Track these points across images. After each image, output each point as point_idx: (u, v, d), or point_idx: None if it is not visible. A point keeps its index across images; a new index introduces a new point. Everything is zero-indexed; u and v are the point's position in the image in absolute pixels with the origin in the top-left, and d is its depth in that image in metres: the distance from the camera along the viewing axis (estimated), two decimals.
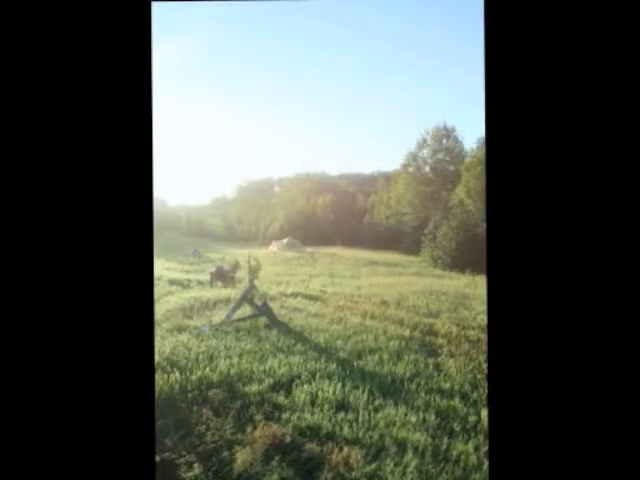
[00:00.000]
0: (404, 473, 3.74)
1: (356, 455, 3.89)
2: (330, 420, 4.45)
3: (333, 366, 5.67)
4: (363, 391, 5.03)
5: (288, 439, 4.12)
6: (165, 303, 8.13)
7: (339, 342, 6.55)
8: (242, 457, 3.86)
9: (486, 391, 4.76)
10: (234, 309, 7.63)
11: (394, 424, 4.41)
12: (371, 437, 4.19)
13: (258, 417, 4.47)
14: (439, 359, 6.08)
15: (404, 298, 8.82)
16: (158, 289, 8.77)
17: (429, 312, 8.08)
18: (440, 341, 6.72)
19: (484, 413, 4.55)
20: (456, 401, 4.89)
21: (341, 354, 6.18)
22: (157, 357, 5.71)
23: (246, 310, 7.73)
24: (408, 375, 5.52)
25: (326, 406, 4.72)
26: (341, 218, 13.67)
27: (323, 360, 5.86)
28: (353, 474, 3.72)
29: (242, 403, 4.73)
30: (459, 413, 4.65)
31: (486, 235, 1.92)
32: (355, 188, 14.04)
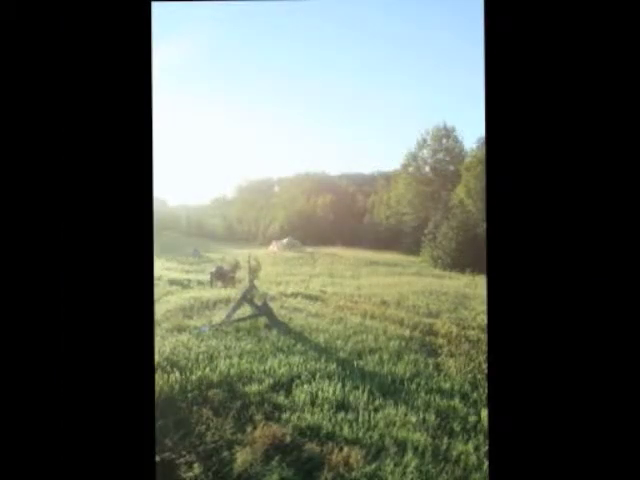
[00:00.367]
0: (404, 473, 3.74)
1: (356, 455, 3.89)
2: (330, 420, 4.45)
3: (333, 366, 5.67)
4: (363, 391, 5.03)
5: (288, 439, 4.12)
6: (165, 303, 8.13)
7: (339, 342, 6.55)
8: (242, 457, 3.86)
9: (486, 391, 4.76)
10: (234, 309, 7.63)
11: (394, 424, 4.41)
12: (371, 437, 4.19)
13: (258, 417, 4.47)
14: (439, 359, 6.08)
15: (404, 298, 8.82)
16: (158, 289, 8.77)
17: (429, 312, 8.08)
18: (440, 341, 6.72)
19: (484, 413, 4.55)
20: (456, 401, 4.89)
21: (341, 354, 6.18)
22: (157, 357, 5.71)
23: (246, 310, 7.74)
24: (408, 375, 5.52)
25: (326, 406, 4.72)
26: (341, 218, 13.68)
27: (323, 360, 5.86)
28: (353, 474, 3.72)
29: (242, 403, 4.73)
30: (459, 413, 4.66)
31: (486, 235, 1.92)
32: (355, 188, 14.04)
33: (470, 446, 4.07)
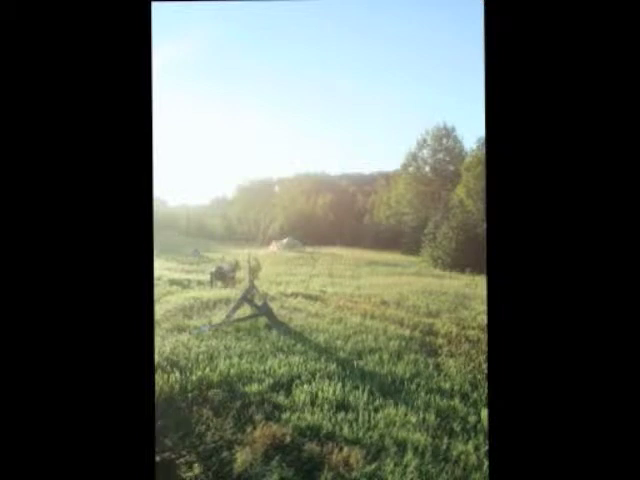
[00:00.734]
0: (404, 473, 3.74)
1: (356, 455, 3.89)
2: (330, 420, 4.45)
3: (333, 366, 5.67)
4: (363, 391, 5.03)
5: (288, 439, 4.12)
6: (165, 303, 8.13)
7: (339, 342, 6.55)
8: (242, 457, 3.86)
9: (486, 391, 4.76)
10: (234, 309, 7.63)
11: (394, 424, 4.41)
12: (371, 437, 4.19)
13: (258, 417, 4.47)
14: (439, 359, 6.08)
15: (404, 298, 8.82)
16: (158, 289, 8.77)
17: (429, 312, 8.08)
18: (440, 341, 6.72)
19: (484, 413, 4.54)
20: (456, 401, 4.88)
21: (341, 354, 6.17)
22: (157, 357, 5.71)
23: (246, 310, 7.74)
24: (408, 375, 5.51)
25: (326, 406, 4.71)
26: (341, 218, 13.68)
27: (323, 360, 5.85)
28: (353, 474, 3.71)
29: (242, 403, 4.73)
30: (459, 413, 4.65)
31: (486, 235, 1.92)
32: (355, 188, 14.04)
33: (470, 446, 4.06)
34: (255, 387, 5.05)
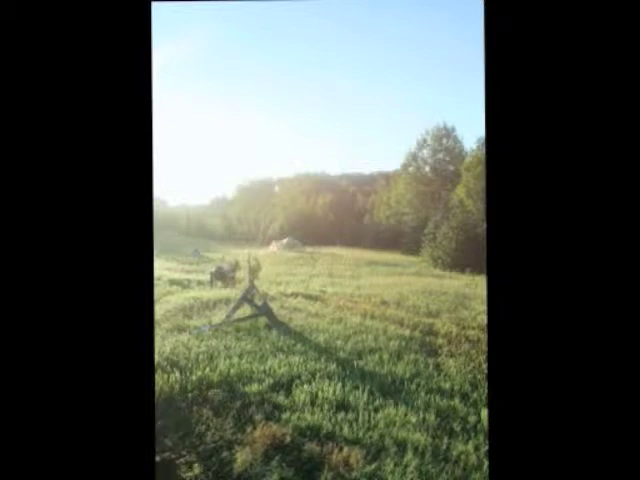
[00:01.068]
0: (404, 473, 3.74)
1: (356, 455, 3.89)
2: (330, 420, 4.45)
3: (333, 366, 5.67)
4: (363, 391, 5.03)
5: (288, 439, 4.12)
6: (165, 303, 8.13)
7: (339, 342, 6.55)
8: (242, 457, 3.86)
9: (486, 391, 4.76)
10: (234, 309, 7.63)
11: (394, 424, 4.41)
12: (371, 437, 4.19)
13: (258, 417, 4.47)
14: (439, 359, 6.08)
15: (404, 298, 8.82)
16: (158, 289, 8.77)
17: (429, 312, 8.08)
18: (440, 341, 6.72)
19: (484, 413, 4.54)
20: (456, 401, 4.88)
21: (341, 354, 6.17)
22: (157, 357, 5.71)
23: (246, 310, 7.74)
24: (408, 375, 5.51)
25: (326, 406, 4.71)
26: (341, 218, 13.68)
27: (323, 360, 5.85)
28: (353, 474, 3.71)
29: (242, 403, 4.73)
30: (459, 413, 4.65)
31: (486, 235, 1.92)
32: (355, 188, 14.04)
33: (470, 446, 4.06)
34: (255, 387, 5.05)
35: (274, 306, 7.94)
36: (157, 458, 3.74)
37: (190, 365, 5.57)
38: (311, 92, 13.39)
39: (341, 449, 3.95)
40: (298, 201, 13.79)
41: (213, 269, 10.00)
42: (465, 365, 5.86)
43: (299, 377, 5.35)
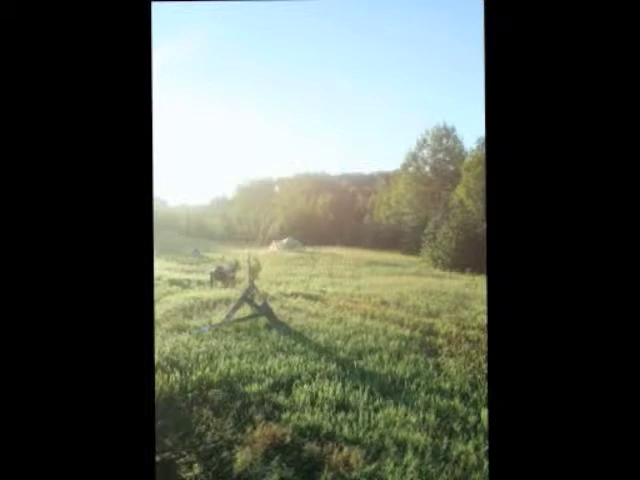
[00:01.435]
0: (404, 473, 3.74)
1: (356, 455, 3.89)
2: (330, 420, 4.45)
3: (333, 366, 5.67)
4: (363, 391, 5.03)
5: (288, 439, 4.12)
6: (165, 303, 8.13)
7: (339, 342, 6.55)
8: (242, 457, 3.86)
9: (486, 391, 4.76)
10: (234, 309, 7.63)
11: (394, 424, 4.41)
12: (371, 437, 4.19)
13: (258, 417, 4.47)
14: (439, 359, 6.08)
15: (404, 298, 8.82)
16: (158, 289, 8.77)
17: (429, 312, 8.08)
18: (440, 341, 6.72)
19: (484, 413, 4.55)
20: (456, 401, 4.89)
21: (341, 354, 6.18)
22: (157, 357, 5.71)
23: (246, 310, 7.74)
24: (408, 375, 5.52)
25: (326, 406, 4.71)
26: (341, 218, 13.68)
27: (323, 360, 5.85)
28: (353, 474, 3.71)
29: (242, 403, 4.73)
30: (459, 413, 4.65)
31: (486, 235, 1.92)
32: (355, 188, 14.05)
33: (470, 446, 4.07)
34: (255, 387, 5.05)
35: (274, 306, 7.94)
36: (157, 458, 3.74)
37: (190, 365, 5.57)
38: (311, 92, 13.40)
39: (341, 449, 3.95)
40: (298, 201, 13.80)
41: (213, 269, 10.00)
42: (465, 365, 5.86)
43: (299, 377, 5.35)
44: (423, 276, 10.84)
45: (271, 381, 5.21)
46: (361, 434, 4.22)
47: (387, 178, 13.60)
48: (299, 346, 6.33)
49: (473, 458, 3.93)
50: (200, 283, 9.84)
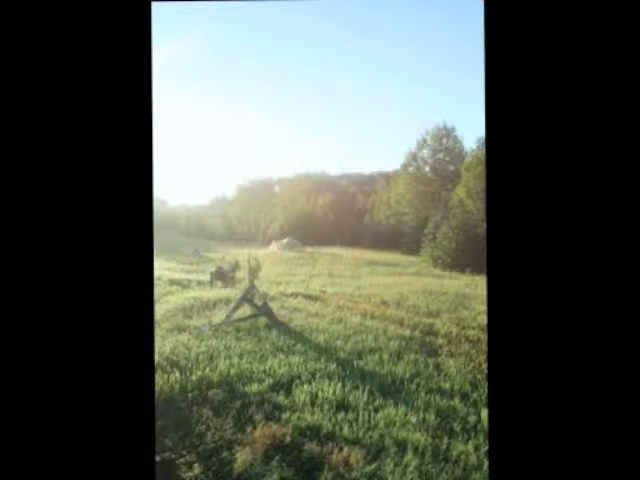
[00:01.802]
0: (404, 473, 3.74)
1: (356, 455, 3.89)
2: (330, 420, 4.45)
3: (333, 366, 5.67)
4: (363, 391, 5.03)
5: (288, 439, 4.12)
6: (165, 303, 8.13)
7: (339, 342, 6.55)
8: (242, 457, 3.86)
9: (486, 391, 4.76)
10: (234, 309, 7.63)
11: (394, 424, 4.41)
12: (371, 437, 4.19)
13: (258, 417, 4.47)
14: (439, 359, 6.08)
15: (404, 298, 8.82)
16: (158, 289, 8.78)
17: (429, 312, 8.08)
18: (440, 341, 6.72)
19: (484, 413, 4.55)
20: (456, 401, 4.89)
21: (341, 354, 6.18)
22: (157, 357, 5.71)
23: (246, 310, 7.74)
24: (408, 375, 5.52)
25: (326, 406, 4.71)
26: (341, 218, 13.68)
27: (323, 360, 5.85)
28: (353, 474, 3.71)
29: (242, 403, 4.73)
30: (459, 413, 4.65)
31: (486, 235, 1.92)
32: (355, 188, 14.05)
33: (470, 446, 4.07)
34: (255, 387, 5.05)
35: (274, 306, 7.94)
36: (157, 458, 3.74)
37: (190, 365, 5.57)
38: (311, 92, 13.40)
39: (341, 449, 3.95)
40: (298, 201, 13.80)
41: (213, 269, 10.00)
42: (465, 365, 5.86)
43: (299, 377, 5.35)
44: (423, 276, 10.84)
45: (271, 381, 5.21)
46: (361, 434, 4.22)
47: (387, 178, 13.60)
48: (299, 346, 6.33)
49: (473, 458, 3.93)
50: (200, 283, 9.84)
